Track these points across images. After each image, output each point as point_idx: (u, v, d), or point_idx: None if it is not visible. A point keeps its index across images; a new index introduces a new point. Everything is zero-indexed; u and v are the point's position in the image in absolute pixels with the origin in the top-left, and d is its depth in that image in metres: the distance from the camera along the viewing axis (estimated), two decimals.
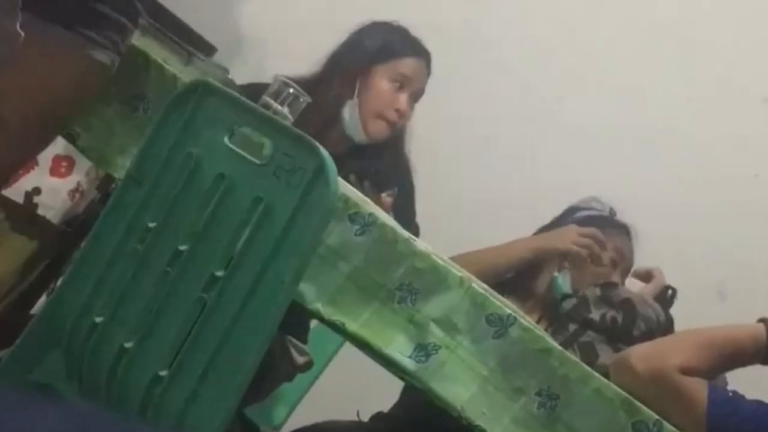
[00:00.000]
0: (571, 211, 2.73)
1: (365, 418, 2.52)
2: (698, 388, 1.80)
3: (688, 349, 1.85)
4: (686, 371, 1.81)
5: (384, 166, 2.66)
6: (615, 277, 2.55)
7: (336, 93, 2.70)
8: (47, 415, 0.53)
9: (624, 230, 2.66)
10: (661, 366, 1.81)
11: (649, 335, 2.16)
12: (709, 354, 1.85)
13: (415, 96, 2.78)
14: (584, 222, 2.65)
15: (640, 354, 1.88)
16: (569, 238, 2.51)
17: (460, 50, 3.64)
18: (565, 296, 2.42)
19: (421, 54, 2.80)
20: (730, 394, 1.84)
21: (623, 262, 2.60)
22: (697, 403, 1.78)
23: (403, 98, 2.73)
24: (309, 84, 2.60)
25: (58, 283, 1.90)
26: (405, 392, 2.48)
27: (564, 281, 2.53)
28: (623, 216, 2.71)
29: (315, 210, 1.51)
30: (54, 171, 2.72)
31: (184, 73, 1.94)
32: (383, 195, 2.37)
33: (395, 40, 2.80)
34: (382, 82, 2.73)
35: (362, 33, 2.80)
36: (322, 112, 2.60)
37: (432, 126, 2.89)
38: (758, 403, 1.83)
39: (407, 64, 2.76)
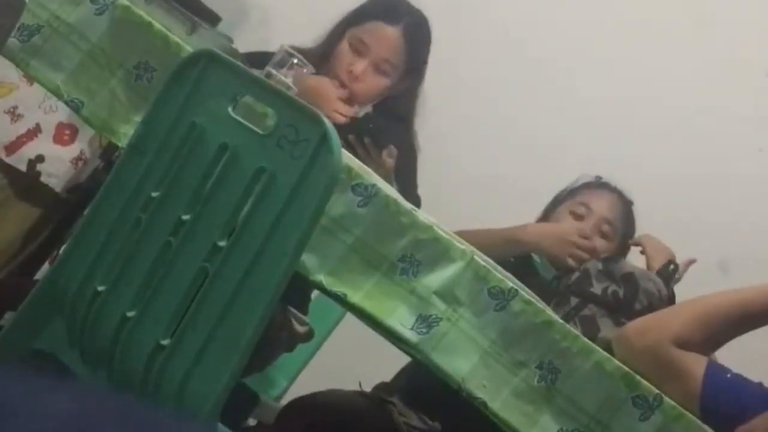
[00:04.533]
0: (559, 195, 2.77)
1: (367, 388, 2.53)
2: (695, 364, 1.79)
3: (685, 320, 1.84)
4: (683, 344, 1.80)
5: (383, 122, 2.60)
6: (587, 230, 2.60)
7: (316, 60, 2.67)
8: (58, 397, 0.53)
9: (606, 187, 2.70)
10: (656, 340, 1.81)
11: (650, 310, 2.16)
12: (708, 324, 1.84)
13: (378, 66, 2.66)
14: (565, 198, 2.69)
15: (637, 327, 1.88)
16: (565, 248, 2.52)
17: (467, 27, 3.62)
18: (555, 277, 2.45)
19: (393, 21, 2.68)
20: (729, 375, 1.83)
21: (592, 213, 2.64)
22: (693, 380, 1.77)
23: (358, 62, 2.64)
24: (314, 54, 2.59)
25: (61, 251, 1.90)
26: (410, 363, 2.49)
27: (542, 262, 2.56)
28: (626, 190, 2.73)
29: (318, 181, 1.51)
30: (57, 139, 2.72)
31: (188, 42, 1.94)
32: (384, 154, 2.33)
33: (373, 4, 2.73)
34: (343, 44, 2.66)
35: (362, 3, 2.76)
36: None
37: (436, 102, 2.85)
38: (760, 387, 1.83)
39: (367, 29, 2.66)
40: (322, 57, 2.67)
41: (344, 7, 2.77)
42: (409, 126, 2.77)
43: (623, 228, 2.68)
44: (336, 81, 2.58)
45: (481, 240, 2.16)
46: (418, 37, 2.72)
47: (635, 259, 2.54)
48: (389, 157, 2.32)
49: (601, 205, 2.66)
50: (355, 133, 2.29)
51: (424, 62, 2.76)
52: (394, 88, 2.70)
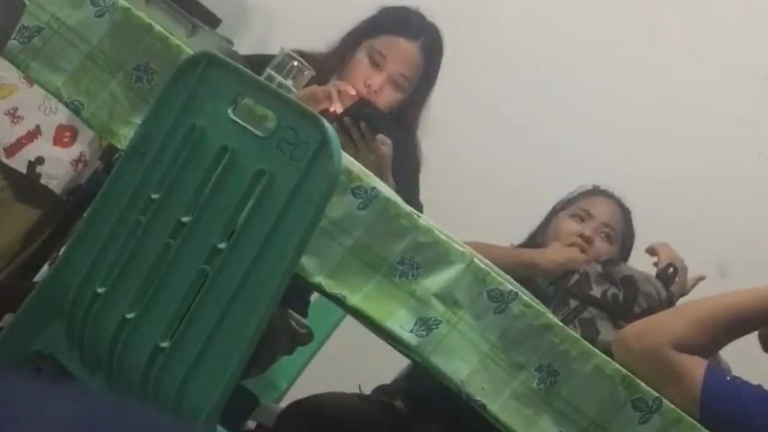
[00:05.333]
0: (557, 205, 2.77)
1: (367, 391, 2.53)
2: (694, 367, 1.79)
3: (683, 324, 1.84)
4: (682, 347, 1.80)
5: (379, 111, 2.57)
6: (587, 231, 2.61)
7: (330, 68, 2.66)
8: (57, 401, 0.53)
9: (604, 194, 2.71)
10: (655, 343, 1.80)
11: (650, 313, 2.16)
12: (707, 327, 1.84)
13: (395, 80, 2.65)
14: (563, 207, 2.71)
15: (636, 330, 1.88)
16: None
17: (469, 31, 3.62)
18: (551, 282, 2.46)
19: (413, 36, 2.68)
20: (728, 378, 1.83)
21: (592, 219, 2.66)
22: (692, 383, 1.77)
23: (376, 76, 2.63)
24: (322, 61, 2.59)
25: (61, 252, 1.90)
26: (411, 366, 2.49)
27: None
28: (626, 194, 2.74)
29: (318, 183, 1.51)
30: (57, 141, 2.73)
31: (188, 44, 1.94)
32: (378, 140, 2.31)
33: (390, 17, 2.72)
34: (361, 56, 2.66)
35: (377, 13, 2.75)
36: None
37: (439, 107, 2.84)
38: (759, 390, 1.82)
39: (386, 43, 2.65)
40: (334, 65, 2.67)
41: (345, 10, 2.76)
42: (412, 135, 2.77)
43: (623, 233, 2.69)
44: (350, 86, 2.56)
45: (498, 256, 2.15)
46: (434, 53, 2.73)
47: (643, 266, 2.53)
48: (383, 144, 2.31)
49: (601, 211, 2.67)
50: (351, 117, 2.28)
51: (435, 76, 2.76)
52: (405, 101, 2.70)
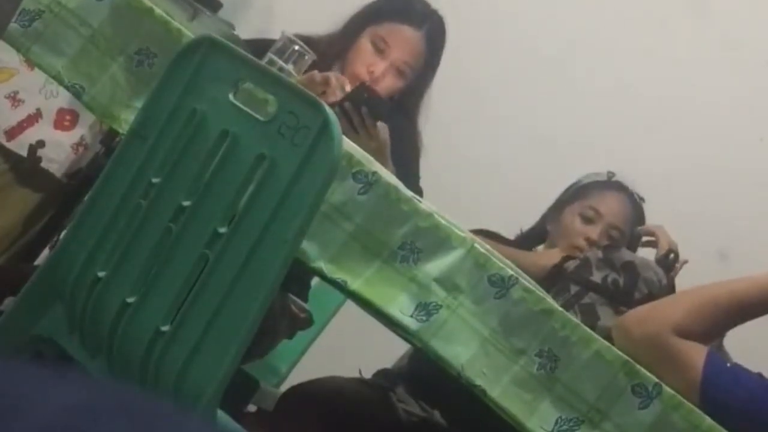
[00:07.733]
0: (566, 192, 2.76)
1: (367, 375, 2.54)
2: (695, 354, 1.79)
3: (684, 310, 1.84)
4: (683, 333, 1.80)
5: (378, 96, 2.55)
6: (594, 235, 2.60)
7: (333, 53, 2.66)
8: (63, 387, 0.53)
9: (615, 187, 2.69)
10: (655, 329, 1.80)
11: (650, 298, 2.16)
12: (708, 313, 1.83)
13: (398, 68, 2.64)
14: (573, 197, 2.69)
15: (636, 316, 1.88)
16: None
17: (469, 18, 3.61)
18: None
19: (417, 25, 2.68)
20: (729, 365, 1.83)
21: (600, 220, 2.64)
22: (693, 369, 1.77)
23: (379, 63, 2.62)
24: (325, 44, 2.58)
25: (61, 236, 1.90)
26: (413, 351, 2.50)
27: None
28: (624, 178, 2.73)
29: (319, 168, 1.51)
30: (58, 124, 2.72)
31: (189, 28, 1.93)
32: (379, 126, 2.30)
33: (394, 3, 2.71)
34: (364, 42, 2.65)
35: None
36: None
37: (441, 93, 2.83)
38: (759, 378, 1.82)
39: (391, 30, 2.65)
40: (337, 50, 2.66)
41: None
42: (413, 121, 2.77)
43: (631, 232, 2.68)
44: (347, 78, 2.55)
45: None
46: (437, 41, 2.73)
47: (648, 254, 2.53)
48: (382, 131, 2.31)
49: (610, 210, 2.65)
50: (352, 102, 2.27)
51: (438, 64, 2.76)
52: (407, 88, 2.70)
